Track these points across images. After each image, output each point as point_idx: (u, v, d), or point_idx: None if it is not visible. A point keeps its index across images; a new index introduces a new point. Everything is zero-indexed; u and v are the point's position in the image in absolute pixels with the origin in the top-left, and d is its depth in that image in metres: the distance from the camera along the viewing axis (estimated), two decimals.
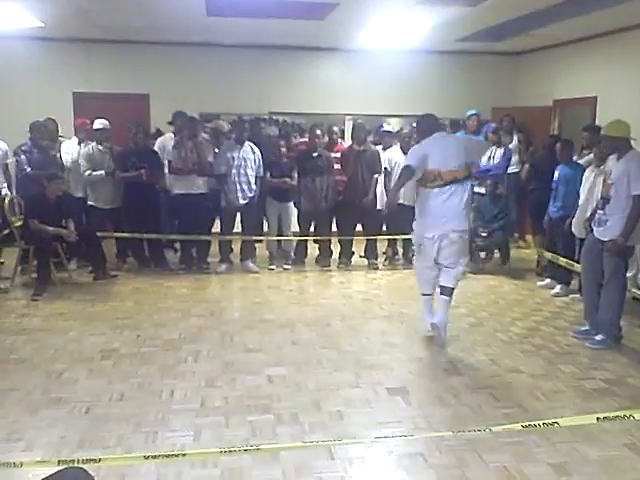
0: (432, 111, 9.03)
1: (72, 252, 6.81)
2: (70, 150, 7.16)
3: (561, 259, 5.99)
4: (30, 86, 8.44)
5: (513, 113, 8.51)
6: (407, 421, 3.55)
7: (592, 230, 4.86)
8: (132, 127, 6.92)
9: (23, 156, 6.78)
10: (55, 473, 1.46)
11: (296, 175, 7.05)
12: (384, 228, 7.60)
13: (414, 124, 8.19)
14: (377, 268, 7.41)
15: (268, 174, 7.02)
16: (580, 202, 5.65)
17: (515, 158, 7.88)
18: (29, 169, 6.71)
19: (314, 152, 7.11)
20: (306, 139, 7.61)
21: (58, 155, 7.08)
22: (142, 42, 8.59)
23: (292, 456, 3.10)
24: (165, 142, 7.23)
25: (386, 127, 7.77)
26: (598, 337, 4.80)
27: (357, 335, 5.04)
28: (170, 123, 7.36)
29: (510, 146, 7.80)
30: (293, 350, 4.69)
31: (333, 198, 7.21)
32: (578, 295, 5.91)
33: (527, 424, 2.75)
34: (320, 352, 4.64)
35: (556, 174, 6.25)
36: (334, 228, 7.56)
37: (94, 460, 2.47)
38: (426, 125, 4.87)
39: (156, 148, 7.16)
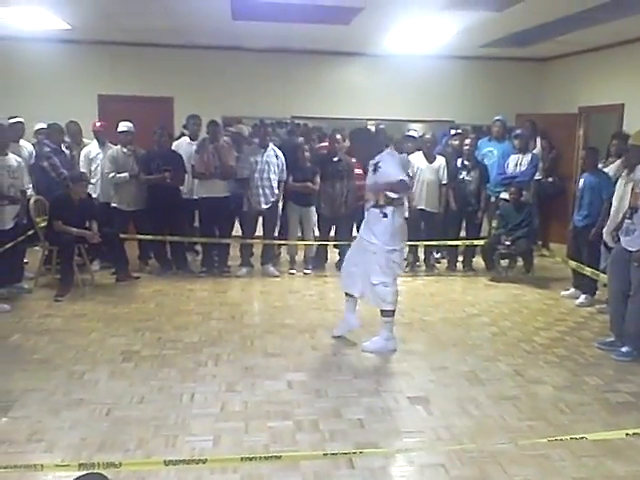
0: (455, 117, 9.17)
1: (95, 254, 6.88)
2: (92, 153, 7.21)
3: (586, 269, 5.89)
4: (56, 88, 8.54)
5: (537, 120, 8.43)
6: (428, 431, 3.50)
7: (619, 240, 4.77)
8: (157, 130, 6.96)
9: (56, 158, 6.87)
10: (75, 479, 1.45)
11: (319, 180, 7.03)
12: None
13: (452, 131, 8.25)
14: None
15: (290, 178, 7.02)
16: (612, 211, 5.54)
17: (540, 165, 7.80)
18: (65, 171, 6.78)
19: (334, 157, 7.09)
20: (327, 144, 7.59)
21: (76, 158, 7.16)
22: (167, 45, 8.65)
23: (312, 464, 3.07)
24: (179, 146, 7.28)
25: (411, 132, 7.73)
26: (624, 349, 4.71)
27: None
28: (185, 127, 7.40)
29: (535, 151, 7.72)
30: (313, 356, 4.67)
31: (353, 203, 7.18)
32: (604, 305, 5.80)
33: (554, 438, 2.70)
34: (340, 358, 4.62)
35: (581, 182, 6.16)
36: (355, 233, 7.51)
37: (114, 465, 2.46)
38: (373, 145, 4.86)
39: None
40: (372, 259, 4.69)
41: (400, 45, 8.16)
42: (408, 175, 4.88)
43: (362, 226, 4.84)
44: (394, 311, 4.81)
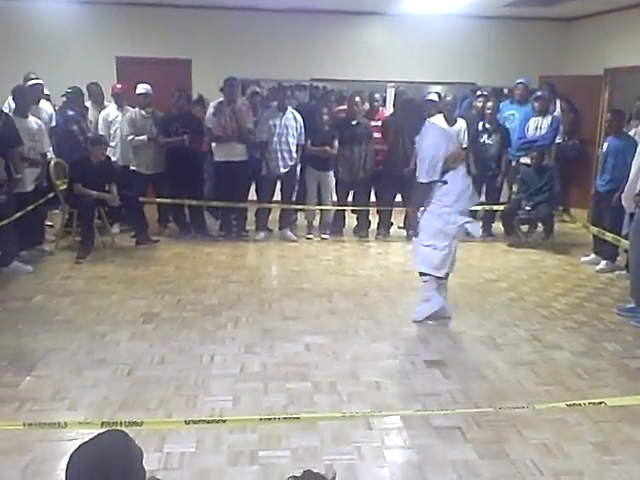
0: (476, 79, 8.97)
1: (114, 216, 6.93)
2: (111, 116, 7.20)
3: (607, 234, 5.81)
4: (73, 50, 8.48)
5: (561, 82, 8.23)
6: (445, 394, 3.53)
7: None
8: (175, 92, 6.91)
9: (75, 126, 6.86)
10: (95, 436, 1.47)
11: (337, 144, 6.96)
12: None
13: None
14: None
15: (309, 142, 6.96)
16: (631, 175, 5.43)
17: (560, 128, 7.63)
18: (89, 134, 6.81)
19: (353, 120, 7.01)
20: (345, 107, 7.50)
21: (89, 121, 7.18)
22: (184, 6, 8.53)
23: (330, 425, 3.12)
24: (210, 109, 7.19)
25: (431, 96, 7.59)
26: None
27: (395, 306, 5.02)
28: (222, 90, 7.27)
29: (555, 114, 7.56)
30: (330, 319, 4.70)
31: (371, 168, 7.13)
32: (624, 272, 5.74)
33: (572, 403, 2.70)
34: (357, 322, 4.64)
35: (605, 146, 6.03)
36: (373, 198, 7.48)
37: (136, 423, 2.52)
38: (417, 115, 4.61)
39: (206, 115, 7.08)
40: (425, 221, 4.52)
41: (421, 4, 7.96)
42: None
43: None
44: (443, 277, 4.63)
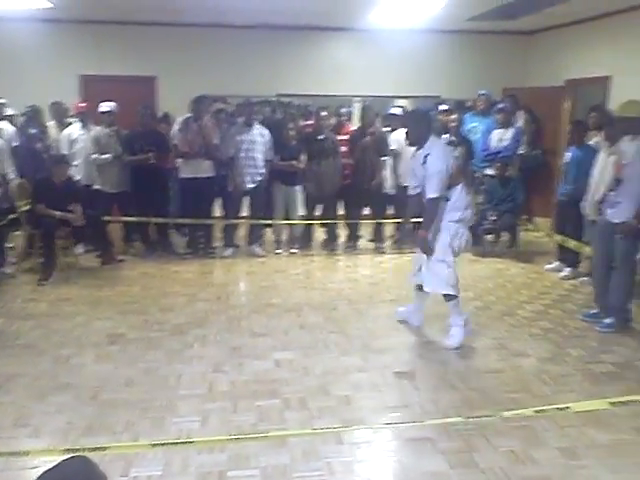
0: (441, 92, 9.10)
1: (78, 237, 6.81)
2: (74, 135, 7.11)
3: (570, 242, 5.92)
4: (37, 69, 8.38)
5: (523, 94, 8.40)
6: (415, 405, 3.54)
7: (603, 212, 4.79)
8: (140, 110, 6.86)
9: (39, 144, 6.79)
10: (57, 464, 1.44)
11: (304, 158, 6.98)
12: (391, 211, 7.54)
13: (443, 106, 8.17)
14: (384, 252, 7.37)
15: (276, 157, 6.96)
16: (592, 183, 5.55)
17: (523, 139, 7.77)
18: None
19: (320, 135, 7.04)
20: (312, 122, 7.53)
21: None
22: (150, 23, 8.50)
23: (300, 441, 3.10)
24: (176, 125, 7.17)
25: (393, 110, 7.68)
26: (607, 320, 4.76)
27: (364, 319, 5.02)
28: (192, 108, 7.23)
29: (517, 125, 7.69)
30: (300, 334, 4.68)
31: (339, 181, 7.16)
32: (587, 278, 5.85)
33: (539, 409, 2.73)
34: (327, 336, 4.63)
35: (567, 156, 6.16)
36: (341, 211, 7.51)
37: (101, 448, 2.47)
38: (426, 126, 4.55)
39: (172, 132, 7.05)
40: (438, 238, 4.45)
41: (386, 19, 8.06)
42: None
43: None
44: (457, 296, 4.53)
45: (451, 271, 4.44)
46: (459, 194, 4.46)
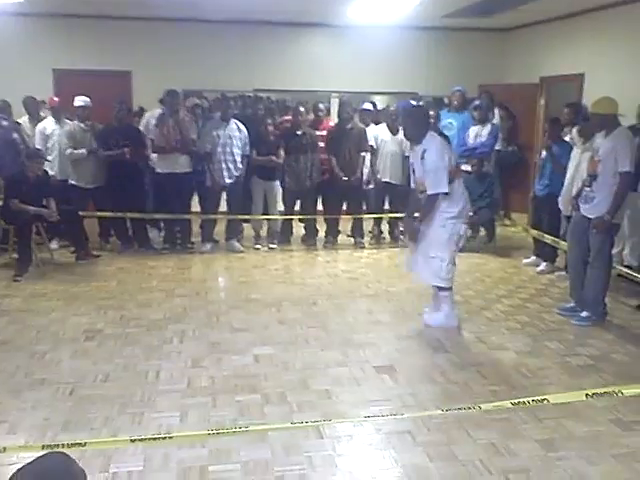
0: (418, 89, 9.14)
1: (53, 232, 6.72)
2: (48, 129, 6.99)
3: (547, 236, 6.00)
4: (9, 63, 8.22)
5: (499, 90, 8.47)
6: (395, 399, 3.55)
7: (579, 207, 4.86)
8: (116, 105, 6.77)
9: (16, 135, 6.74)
10: (35, 460, 1.41)
11: (282, 153, 6.96)
12: (364, 207, 7.57)
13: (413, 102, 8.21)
14: (363, 247, 7.39)
15: (254, 152, 6.93)
16: (566, 179, 5.64)
17: (499, 135, 7.83)
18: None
19: (298, 130, 7.02)
20: (290, 117, 7.51)
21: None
22: (124, 18, 8.40)
23: (281, 436, 3.09)
24: (150, 119, 7.09)
25: (365, 105, 7.70)
26: (583, 314, 4.83)
27: (344, 314, 5.03)
28: (161, 101, 7.19)
29: (494, 122, 7.76)
30: (279, 329, 4.66)
31: (317, 177, 7.15)
32: (563, 272, 5.92)
33: (517, 401, 2.75)
34: (307, 331, 4.62)
35: (543, 152, 6.24)
36: (320, 207, 7.51)
37: (80, 444, 2.43)
38: (424, 121, 4.65)
39: (141, 126, 7.02)
40: (432, 233, 4.56)
41: (363, 15, 8.06)
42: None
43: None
44: (450, 288, 4.72)
45: (444, 265, 4.58)
46: (456, 189, 4.53)
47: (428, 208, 4.51)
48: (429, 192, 4.46)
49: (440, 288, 4.72)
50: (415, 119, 4.61)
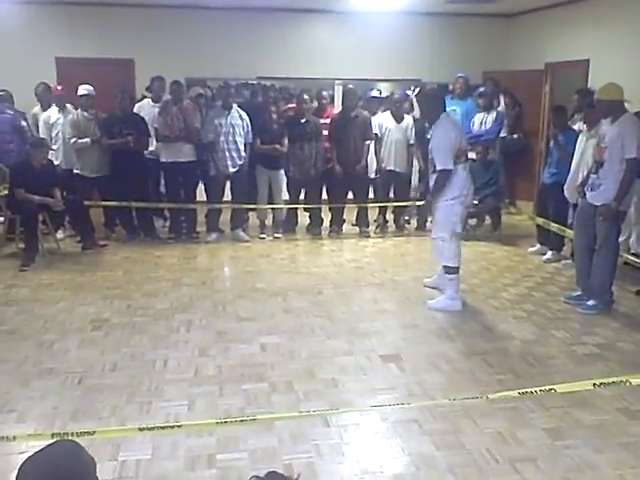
0: (422, 75, 9.08)
1: (59, 222, 6.73)
2: (52, 118, 7.00)
3: (553, 225, 5.97)
4: (12, 51, 8.17)
5: (504, 77, 8.42)
6: (401, 388, 3.56)
7: (585, 195, 4.83)
8: (118, 93, 6.76)
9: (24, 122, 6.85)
10: (45, 448, 1.42)
11: (286, 142, 6.93)
12: (371, 195, 7.56)
13: (408, 92, 8.17)
14: (368, 236, 7.38)
15: (258, 141, 6.90)
16: (572, 167, 5.60)
17: (504, 122, 7.78)
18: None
19: (302, 118, 7.00)
20: (294, 105, 7.48)
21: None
22: (127, 5, 8.34)
23: (288, 424, 3.10)
24: (142, 108, 7.10)
25: (373, 92, 7.65)
26: (590, 302, 4.81)
27: (349, 303, 5.03)
28: (148, 89, 7.21)
29: (499, 109, 7.71)
30: (285, 318, 4.67)
31: (322, 165, 7.13)
32: (569, 261, 5.91)
33: (524, 391, 2.76)
34: (313, 320, 4.63)
35: (552, 142, 6.20)
36: (324, 196, 7.49)
37: (89, 432, 2.45)
38: (438, 104, 4.87)
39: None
40: (435, 214, 4.92)
41: (366, 1, 8.01)
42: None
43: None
44: (457, 268, 4.92)
45: (445, 245, 4.85)
46: (460, 173, 4.72)
47: (438, 184, 4.74)
48: (438, 168, 4.68)
49: (446, 270, 4.91)
50: (430, 103, 4.86)
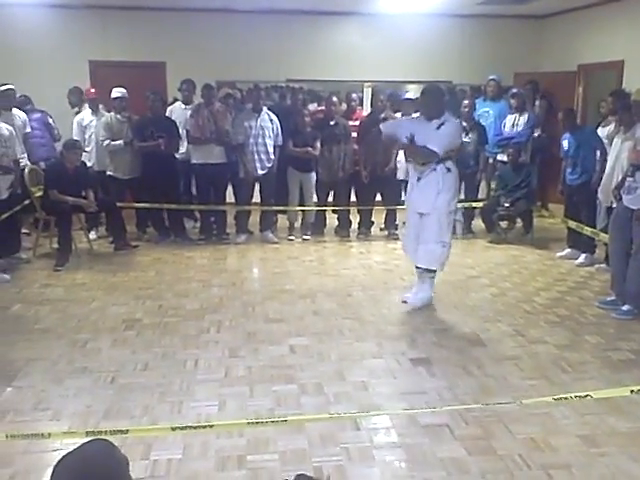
0: (452, 78, 9.02)
1: (92, 223, 6.84)
2: (85, 121, 7.12)
3: (586, 228, 5.87)
4: (46, 55, 8.35)
5: (536, 78, 8.30)
6: (431, 392, 3.52)
7: (621, 198, 4.74)
8: (150, 96, 6.85)
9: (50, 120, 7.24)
10: (79, 446, 1.44)
11: (319, 145, 6.94)
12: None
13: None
14: (397, 238, 7.33)
15: (290, 143, 6.93)
16: (607, 169, 5.51)
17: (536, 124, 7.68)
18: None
19: (331, 120, 7.00)
20: (323, 107, 7.48)
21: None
22: (159, 9, 8.45)
23: (318, 426, 3.09)
24: (173, 111, 7.18)
25: (408, 95, 7.62)
26: (625, 307, 4.72)
27: (378, 305, 5.01)
28: (180, 89, 7.29)
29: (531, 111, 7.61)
30: (314, 320, 4.67)
31: (350, 167, 7.13)
32: (603, 265, 5.81)
33: (559, 397, 2.71)
34: (342, 322, 4.62)
35: (565, 143, 6.12)
36: (353, 198, 7.48)
37: (122, 431, 2.48)
38: (443, 100, 4.92)
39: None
40: (432, 219, 4.73)
41: (396, 3, 7.98)
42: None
43: (414, 194, 4.87)
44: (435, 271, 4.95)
45: (445, 250, 4.80)
46: (453, 170, 4.79)
47: (424, 152, 4.66)
48: (433, 148, 4.59)
49: (429, 272, 4.96)
50: (436, 97, 4.82)
